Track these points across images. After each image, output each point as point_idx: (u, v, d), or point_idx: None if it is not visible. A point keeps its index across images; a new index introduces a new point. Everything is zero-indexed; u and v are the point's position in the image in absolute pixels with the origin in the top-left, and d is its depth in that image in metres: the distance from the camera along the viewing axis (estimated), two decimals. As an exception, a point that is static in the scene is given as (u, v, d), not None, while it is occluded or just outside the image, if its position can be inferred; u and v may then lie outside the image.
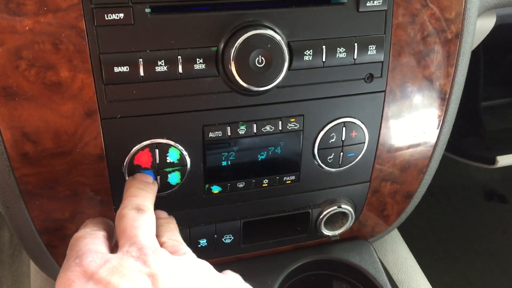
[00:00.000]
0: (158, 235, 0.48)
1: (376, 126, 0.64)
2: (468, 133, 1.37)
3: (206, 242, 0.67)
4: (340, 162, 0.64)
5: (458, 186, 1.86)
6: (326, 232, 0.72)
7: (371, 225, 0.78)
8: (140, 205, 0.48)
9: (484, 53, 1.20)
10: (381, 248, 0.86)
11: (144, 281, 0.39)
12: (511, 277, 1.55)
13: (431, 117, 0.67)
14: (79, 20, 0.48)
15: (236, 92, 0.55)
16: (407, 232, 0.94)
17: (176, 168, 0.57)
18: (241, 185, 0.62)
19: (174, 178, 0.57)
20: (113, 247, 0.47)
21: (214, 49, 0.52)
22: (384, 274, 0.74)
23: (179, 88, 0.53)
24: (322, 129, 0.61)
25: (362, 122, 0.62)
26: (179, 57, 0.51)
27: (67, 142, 0.52)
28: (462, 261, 1.61)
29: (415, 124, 0.66)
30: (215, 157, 0.59)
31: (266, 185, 0.63)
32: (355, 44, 0.56)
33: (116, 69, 0.50)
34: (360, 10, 0.55)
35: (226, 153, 0.59)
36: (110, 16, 0.48)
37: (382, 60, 0.59)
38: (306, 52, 0.55)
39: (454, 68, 0.64)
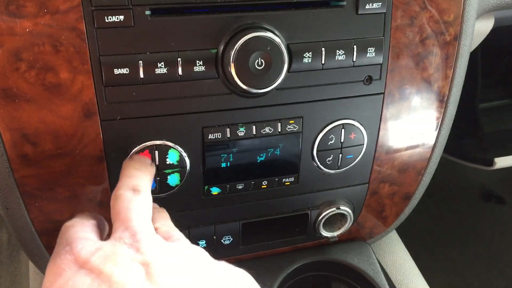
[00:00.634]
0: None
1: (375, 128, 0.64)
2: (466, 134, 1.37)
3: (205, 243, 0.67)
4: (339, 164, 0.64)
5: (456, 187, 1.87)
6: (325, 233, 0.72)
7: (369, 227, 0.78)
8: (136, 185, 0.46)
9: (482, 55, 1.21)
10: (379, 249, 0.86)
11: (137, 270, 0.37)
12: (508, 278, 1.56)
13: (430, 119, 0.67)
14: (79, 22, 0.48)
15: (235, 94, 0.55)
16: (405, 234, 0.94)
17: (175, 169, 0.57)
18: (240, 187, 0.62)
19: (173, 179, 0.58)
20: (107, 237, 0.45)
21: (213, 51, 0.52)
22: (383, 275, 0.75)
23: (178, 90, 0.53)
24: (321, 131, 0.61)
25: (361, 124, 0.62)
26: (179, 59, 0.51)
27: (67, 144, 0.52)
28: (460, 262, 1.61)
29: (414, 126, 0.66)
30: (214, 159, 0.59)
31: (265, 186, 0.63)
32: (354, 46, 0.56)
33: (116, 71, 0.50)
34: (359, 12, 0.55)
35: (226, 155, 0.59)
36: (110, 18, 0.48)
37: (381, 62, 0.59)
38: (306, 55, 0.55)
39: (452, 70, 0.64)
